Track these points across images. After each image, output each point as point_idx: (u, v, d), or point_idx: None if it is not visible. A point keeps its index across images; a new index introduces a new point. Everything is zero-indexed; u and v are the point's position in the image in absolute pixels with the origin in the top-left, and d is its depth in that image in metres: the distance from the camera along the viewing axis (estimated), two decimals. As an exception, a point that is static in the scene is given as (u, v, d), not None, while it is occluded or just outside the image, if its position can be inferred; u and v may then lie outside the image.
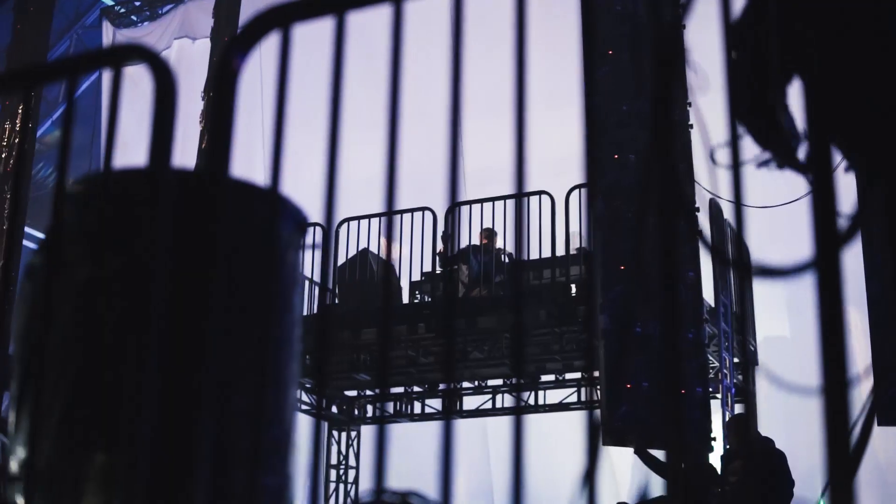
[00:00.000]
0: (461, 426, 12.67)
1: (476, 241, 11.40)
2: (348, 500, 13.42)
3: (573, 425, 11.77)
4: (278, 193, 1.88)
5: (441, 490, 1.44)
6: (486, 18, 6.99)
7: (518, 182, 1.51)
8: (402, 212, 11.10)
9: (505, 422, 12.44)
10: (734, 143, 1.42)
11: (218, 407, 1.68)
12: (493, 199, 11.01)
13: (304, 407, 13.16)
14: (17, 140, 11.05)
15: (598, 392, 9.74)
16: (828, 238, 1.20)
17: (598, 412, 9.38)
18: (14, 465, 1.79)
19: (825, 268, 1.21)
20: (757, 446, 6.70)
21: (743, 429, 7.08)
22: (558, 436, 11.09)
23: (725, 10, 1.51)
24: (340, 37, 1.66)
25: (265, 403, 1.86)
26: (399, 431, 13.19)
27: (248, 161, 11.44)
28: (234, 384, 1.75)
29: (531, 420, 11.90)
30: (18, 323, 1.86)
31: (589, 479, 1.36)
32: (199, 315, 1.63)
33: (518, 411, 1.48)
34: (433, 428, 12.45)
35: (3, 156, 11.99)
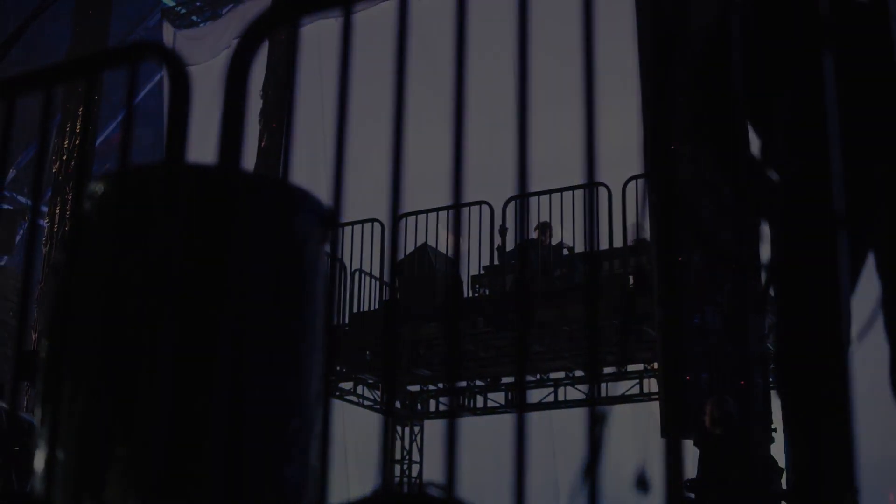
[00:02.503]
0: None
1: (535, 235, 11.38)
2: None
3: (636, 416, 11.68)
4: (295, 187, 1.90)
5: (446, 479, 1.45)
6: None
7: (521, 183, 1.51)
8: (458, 206, 11.07)
9: (569, 415, 12.39)
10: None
11: (233, 398, 1.70)
12: (549, 192, 10.95)
13: (366, 403, 13.26)
14: (76, 142, 11.26)
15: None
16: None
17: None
18: (39, 459, 1.83)
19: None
20: (731, 431, 6.64)
21: (716, 413, 7.02)
22: (621, 427, 11.01)
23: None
24: (347, 32, 1.68)
25: (283, 394, 1.87)
26: (462, 426, 13.14)
27: (313, 156, 11.38)
28: (249, 375, 1.77)
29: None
30: (43, 318, 1.90)
31: (590, 472, 1.36)
32: (212, 308, 1.66)
33: (520, 408, 1.48)
34: (497, 422, 12.42)
35: (65, 158, 12.23)
